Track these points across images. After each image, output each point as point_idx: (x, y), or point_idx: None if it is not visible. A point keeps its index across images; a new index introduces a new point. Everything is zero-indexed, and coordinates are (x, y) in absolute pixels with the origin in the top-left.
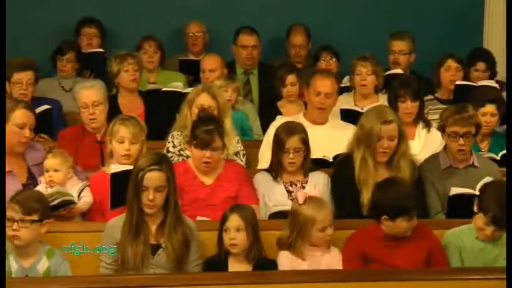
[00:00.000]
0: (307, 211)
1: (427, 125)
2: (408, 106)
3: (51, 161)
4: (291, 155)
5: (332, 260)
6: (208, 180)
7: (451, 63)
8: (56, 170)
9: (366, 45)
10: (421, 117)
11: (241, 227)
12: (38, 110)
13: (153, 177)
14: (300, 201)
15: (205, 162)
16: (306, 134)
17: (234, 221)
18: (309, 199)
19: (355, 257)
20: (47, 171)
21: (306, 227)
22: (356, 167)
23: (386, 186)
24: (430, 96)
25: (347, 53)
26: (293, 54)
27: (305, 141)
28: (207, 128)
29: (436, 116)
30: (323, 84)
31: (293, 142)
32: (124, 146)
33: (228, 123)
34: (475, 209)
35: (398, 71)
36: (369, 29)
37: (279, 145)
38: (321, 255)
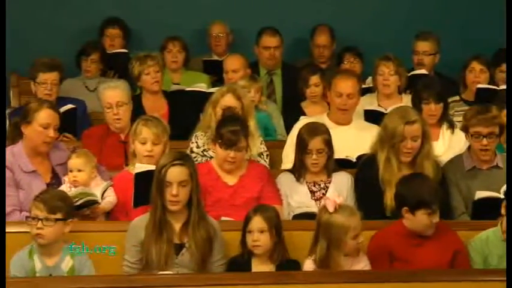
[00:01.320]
0: (339, 219)
1: (452, 126)
2: (432, 108)
3: (75, 161)
4: (314, 156)
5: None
6: (231, 181)
7: (475, 65)
8: (79, 170)
9: (391, 46)
10: (445, 118)
11: (264, 228)
12: (63, 109)
13: (176, 172)
14: (331, 210)
15: (229, 162)
16: (329, 134)
17: (257, 222)
18: (339, 207)
19: (380, 255)
20: (71, 171)
21: (339, 236)
22: (380, 167)
23: (410, 178)
24: (455, 98)
25: (371, 54)
26: (317, 55)
27: (328, 142)
28: (233, 128)
29: (462, 118)
30: (345, 85)
31: (316, 143)
32: (146, 147)
33: (252, 124)
34: (502, 211)
35: (423, 71)
36: (394, 29)
37: (302, 146)
38: (351, 264)
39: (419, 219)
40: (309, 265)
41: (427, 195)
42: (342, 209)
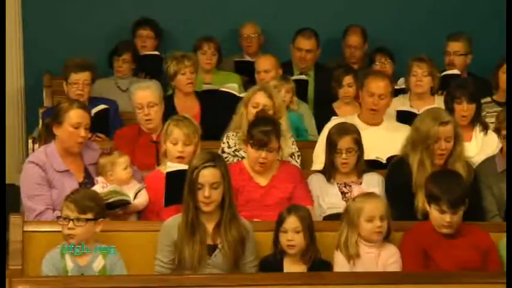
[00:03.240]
0: (356, 203)
1: (484, 127)
2: (464, 108)
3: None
4: (344, 155)
5: (389, 257)
6: (263, 182)
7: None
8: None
9: (423, 47)
10: (478, 120)
11: (299, 228)
12: (95, 109)
13: (208, 174)
14: (355, 194)
15: (260, 163)
16: (359, 134)
17: (292, 222)
18: (362, 194)
19: (415, 253)
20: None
21: (353, 218)
22: (413, 170)
23: (438, 172)
24: (487, 99)
25: (404, 55)
26: (348, 55)
27: (358, 142)
28: (265, 129)
29: (494, 119)
30: (376, 86)
31: (345, 142)
32: (178, 148)
33: (284, 124)
34: None
35: (455, 71)
36: (427, 30)
37: (331, 146)
38: (377, 254)
39: (432, 214)
40: (337, 256)
41: (437, 190)
42: (363, 195)
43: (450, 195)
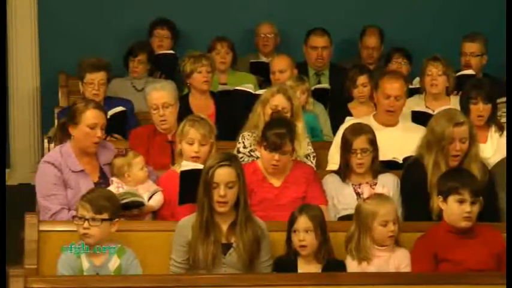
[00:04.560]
0: (369, 206)
1: (500, 128)
2: (480, 108)
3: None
4: (359, 156)
5: (400, 261)
6: (276, 182)
7: None
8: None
9: (439, 48)
10: (493, 120)
11: (310, 228)
12: (112, 111)
13: (224, 173)
14: (365, 196)
15: (273, 165)
16: (374, 134)
17: (303, 222)
18: (374, 195)
19: (425, 256)
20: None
21: (367, 221)
22: (428, 171)
23: (450, 170)
24: (503, 99)
25: (419, 55)
26: (365, 56)
27: (372, 142)
28: (279, 131)
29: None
30: (392, 87)
31: (360, 143)
32: (193, 148)
33: (300, 126)
34: None
35: (470, 71)
36: (442, 31)
37: (346, 146)
38: (388, 257)
39: (450, 208)
40: (349, 260)
41: (458, 181)
42: (375, 196)
43: (471, 184)
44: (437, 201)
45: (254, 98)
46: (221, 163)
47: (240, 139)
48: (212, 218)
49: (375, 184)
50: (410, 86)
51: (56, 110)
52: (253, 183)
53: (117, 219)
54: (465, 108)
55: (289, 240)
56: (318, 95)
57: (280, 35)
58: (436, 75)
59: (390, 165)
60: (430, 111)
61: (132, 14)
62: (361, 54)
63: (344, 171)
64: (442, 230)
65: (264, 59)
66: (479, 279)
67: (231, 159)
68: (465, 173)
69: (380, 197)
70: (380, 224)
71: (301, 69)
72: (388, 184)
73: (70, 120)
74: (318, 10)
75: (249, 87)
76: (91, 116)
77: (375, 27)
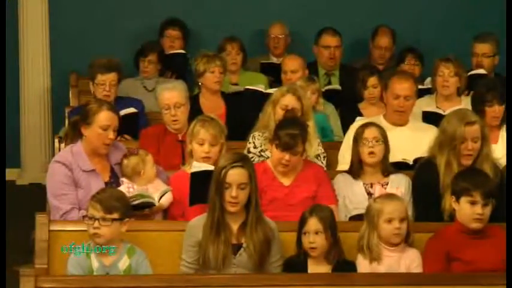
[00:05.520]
0: (377, 204)
1: None
2: (496, 110)
3: (150, 156)
4: (370, 144)
5: (411, 261)
6: (287, 182)
7: None
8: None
9: (451, 48)
10: (505, 121)
11: (319, 229)
12: (124, 112)
13: (236, 174)
14: (376, 195)
15: (283, 164)
16: (384, 131)
17: (313, 224)
18: (385, 194)
19: (437, 256)
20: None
21: (373, 219)
22: (441, 171)
23: (463, 170)
24: None
25: (431, 56)
26: (377, 56)
27: (383, 135)
28: (292, 132)
29: None
30: (401, 87)
31: (371, 132)
32: (204, 148)
33: (310, 126)
34: None
35: (482, 71)
36: (454, 31)
37: (357, 138)
38: (399, 257)
39: (463, 209)
40: (359, 259)
41: (470, 182)
42: (385, 196)
43: (483, 186)
44: (449, 202)
45: (264, 97)
46: (234, 164)
47: (250, 139)
48: (223, 218)
49: (387, 184)
50: (422, 87)
51: (67, 110)
52: (264, 183)
53: (127, 219)
54: (478, 110)
55: (299, 240)
56: (329, 96)
57: (291, 35)
58: (447, 76)
59: (400, 167)
60: (440, 112)
61: (142, 15)
62: (372, 54)
63: (356, 170)
64: (454, 230)
65: (274, 60)
66: (490, 279)
67: (243, 160)
68: (479, 173)
69: (388, 195)
70: (385, 220)
71: (311, 69)
72: (399, 184)
73: (83, 120)
74: (327, 10)
75: (260, 87)
76: (104, 117)
77: (387, 27)
